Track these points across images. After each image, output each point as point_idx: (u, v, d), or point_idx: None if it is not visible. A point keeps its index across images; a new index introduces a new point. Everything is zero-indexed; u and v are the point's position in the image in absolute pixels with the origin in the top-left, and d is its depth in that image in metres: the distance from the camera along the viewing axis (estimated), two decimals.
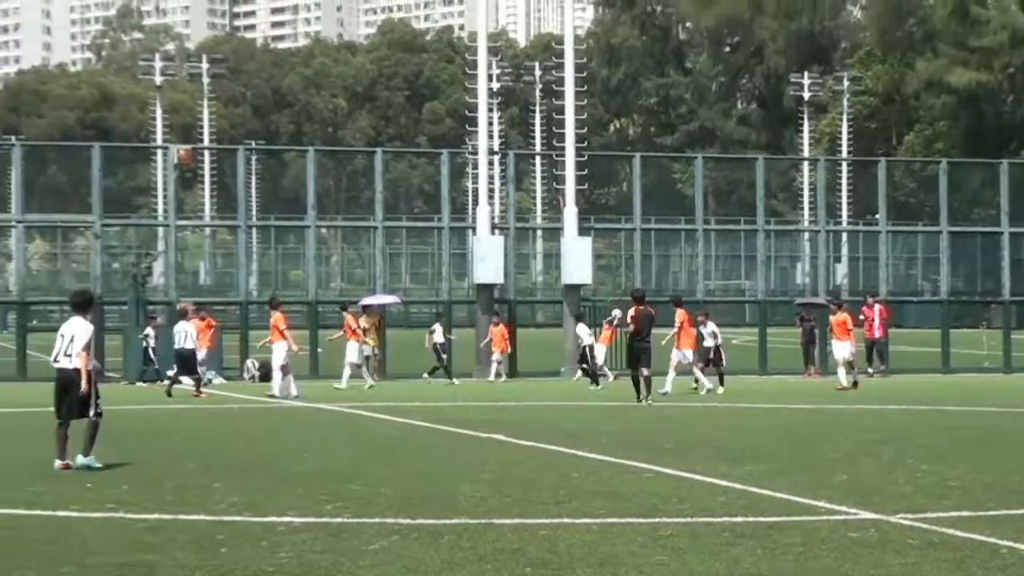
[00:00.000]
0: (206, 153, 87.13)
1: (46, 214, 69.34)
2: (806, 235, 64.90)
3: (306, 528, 12.00)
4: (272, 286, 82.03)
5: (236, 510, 13.08)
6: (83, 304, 16.89)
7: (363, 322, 36.84)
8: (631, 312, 28.20)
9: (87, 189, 42.82)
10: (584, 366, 37.32)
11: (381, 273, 45.29)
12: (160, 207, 79.33)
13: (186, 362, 31.27)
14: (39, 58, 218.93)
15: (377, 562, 10.49)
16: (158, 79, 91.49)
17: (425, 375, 36.68)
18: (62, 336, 16.33)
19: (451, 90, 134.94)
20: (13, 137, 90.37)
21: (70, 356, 16.17)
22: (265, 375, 36.46)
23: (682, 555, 10.81)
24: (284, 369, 30.78)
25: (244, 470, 16.53)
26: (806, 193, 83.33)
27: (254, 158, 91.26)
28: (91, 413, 16.18)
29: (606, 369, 37.30)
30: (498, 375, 37.65)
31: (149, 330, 36.46)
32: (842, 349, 33.75)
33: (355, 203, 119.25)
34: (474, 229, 42.07)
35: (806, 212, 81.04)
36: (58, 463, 16.00)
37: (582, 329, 37.83)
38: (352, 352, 34.44)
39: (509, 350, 38.63)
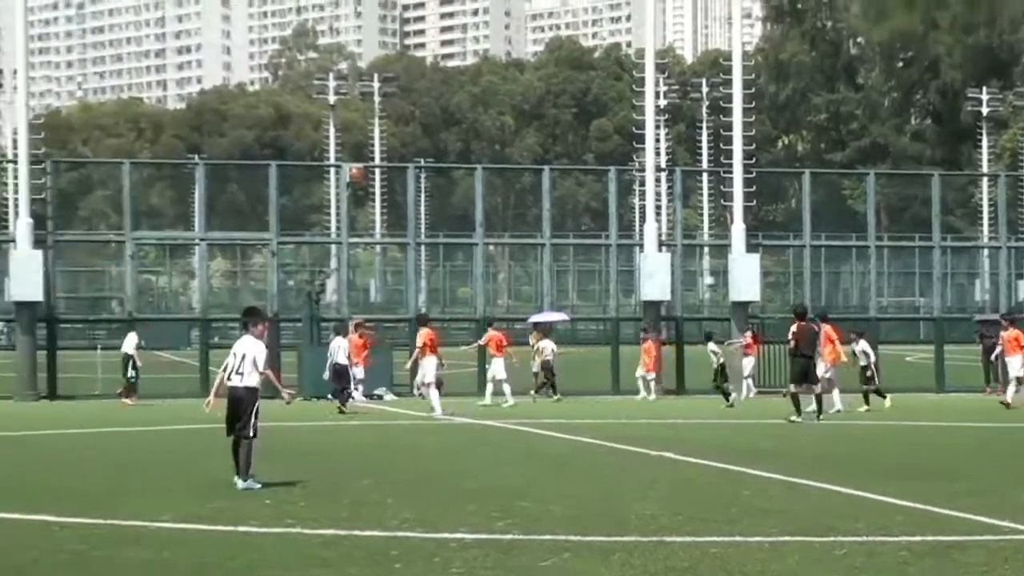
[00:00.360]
0: (377, 171, 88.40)
1: (226, 232, 70.89)
2: (985, 252, 63.43)
3: (477, 544, 12.12)
4: (440, 303, 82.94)
5: (409, 526, 13.25)
6: (250, 322, 16.99)
7: (532, 339, 37.07)
8: (793, 328, 28.03)
9: (264, 207, 43.76)
10: (719, 384, 36.77)
11: (548, 290, 45.45)
12: (333, 225, 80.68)
13: (339, 377, 31.97)
14: (220, 78, 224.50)
15: None
16: (331, 98, 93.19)
17: (531, 393, 36.16)
18: (234, 355, 16.55)
19: (618, 107, 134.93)
20: (196, 156, 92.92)
21: (242, 375, 16.36)
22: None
23: (858, 574, 10.68)
24: (434, 385, 31.09)
25: (416, 486, 16.73)
26: (985, 209, 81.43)
27: (423, 176, 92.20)
28: (249, 433, 16.25)
29: (747, 384, 37.16)
30: (648, 392, 37.32)
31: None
32: (1014, 365, 33.04)
33: (522, 220, 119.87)
34: (641, 246, 41.98)
35: (985, 228, 79.18)
36: (239, 481, 16.20)
37: (713, 348, 37.33)
38: (498, 368, 34.58)
39: (656, 368, 37.99)
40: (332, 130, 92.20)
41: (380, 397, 36.92)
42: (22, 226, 37.87)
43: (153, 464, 19.81)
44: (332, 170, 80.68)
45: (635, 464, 19.84)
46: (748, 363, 37.99)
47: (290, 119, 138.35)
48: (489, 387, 34.39)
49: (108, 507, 14.42)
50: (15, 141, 46.70)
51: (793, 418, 27.24)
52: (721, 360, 36.20)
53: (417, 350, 31.75)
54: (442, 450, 22.54)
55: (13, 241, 38.72)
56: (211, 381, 38.33)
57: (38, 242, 38.07)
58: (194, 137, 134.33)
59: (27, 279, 37.33)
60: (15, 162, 40.82)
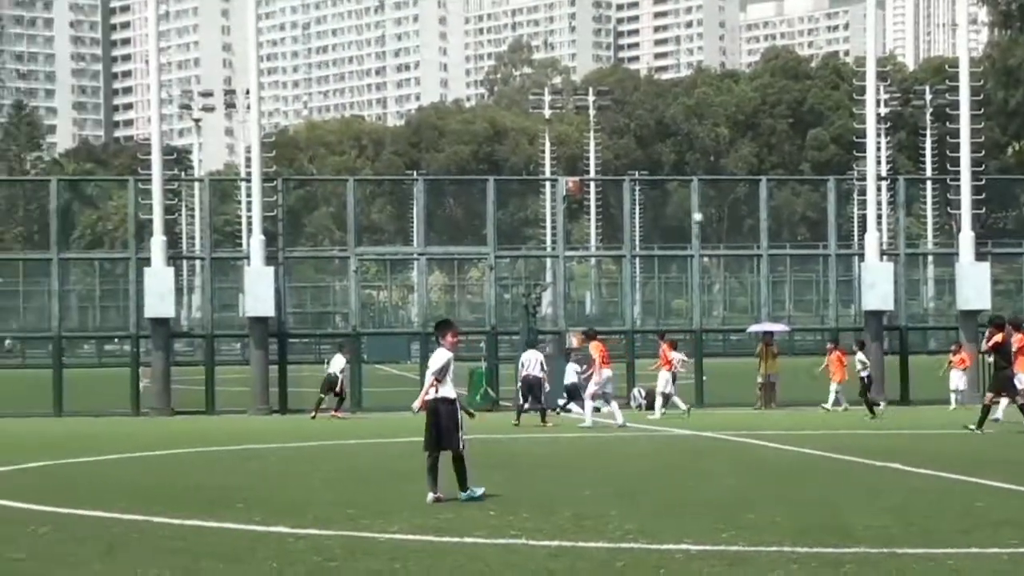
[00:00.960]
0: (592, 184, 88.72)
1: (444, 246, 72.02)
2: None
3: (702, 556, 12.12)
4: (655, 315, 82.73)
5: (632, 537, 13.31)
6: (437, 332, 17.10)
7: (759, 349, 36.96)
8: (996, 338, 27.34)
9: (480, 221, 44.31)
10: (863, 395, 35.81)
11: (766, 301, 45.03)
12: (548, 238, 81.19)
13: (531, 389, 32.48)
14: (437, 94, 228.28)
15: None
16: (547, 112, 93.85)
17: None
18: (428, 368, 16.76)
19: (836, 116, 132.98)
20: (415, 172, 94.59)
21: (435, 387, 16.45)
22: (651, 403, 36.96)
23: None
24: (596, 396, 31.52)
25: (637, 497, 16.79)
26: None
27: (638, 188, 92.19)
28: (461, 446, 16.33)
29: (954, 398, 36.57)
30: (836, 403, 36.55)
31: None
32: None
33: (737, 231, 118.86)
34: (862, 255, 41.31)
35: None
36: (430, 496, 16.21)
37: (861, 358, 36.41)
38: (662, 382, 34.60)
39: (845, 378, 37.27)
40: (547, 144, 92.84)
41: (597, 409, 37.01)
42: (255, 243, 39.14)
43: (380, 476, 20.26)
44: (547, 184, 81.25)
45: (860, 474, 19.55)
46: (955, 376, 37.19)
47: (506, 134, 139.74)
48: (659, 400, 34.57)
49: (340, 519, 14.80)
50: (248, 160, 48.23)
51: (970, 426, 26.72)
52: (866, 371, 35.36)
53: (594, 363, 31.95)
54: (661, 461, 22.54)
55: (247, 258, 40.04)
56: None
57: (270, 259, 39.29)
58: (413, 153, 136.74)
59: (260, 295, 38.57)
60: (248, 180, 42.20)
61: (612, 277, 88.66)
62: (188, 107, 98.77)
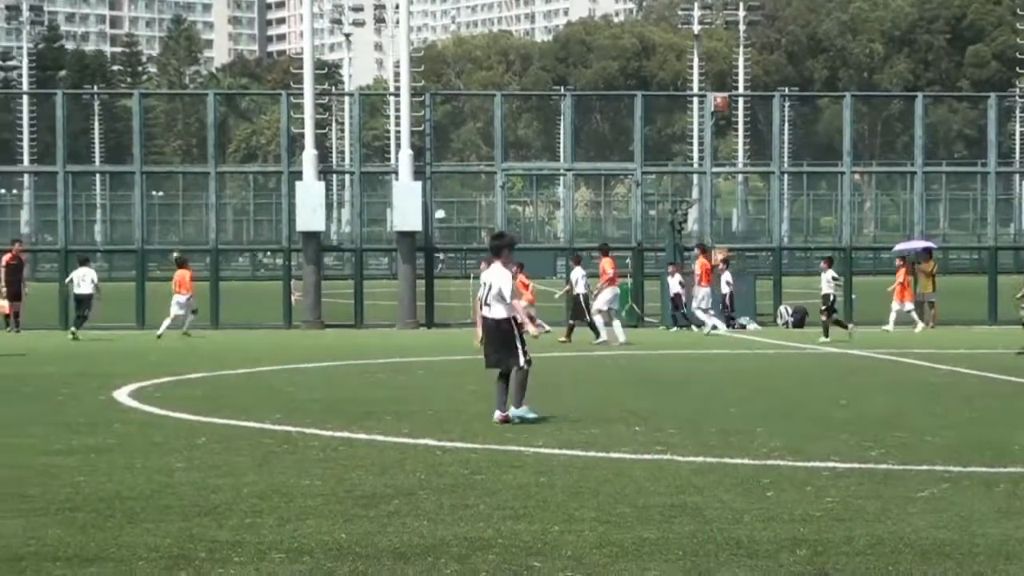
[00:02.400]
0: (740, 100, 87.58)
1: (590, 162, 71.78)
2: None
3: (850, 474, 12.01)
4: (803, 233, 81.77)
5: (779, 454, 13.24)
6: (499, 248, 16.35)
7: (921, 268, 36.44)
8: None
9: (626, 137, 44.18)
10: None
11: (920, 219, 44.20)
12: (695, 154, 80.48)
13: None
14: (585, 10, 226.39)
15: (927, 509, 10.40)
16: (695, 28, 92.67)
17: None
18: (483, 284, 16.17)
19: (997, 32, 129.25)
20: (562, 87, 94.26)
21: (490, 306, 15.95)
22: (799, 321, 36.67)
23: None
24: (603, 314, 31.24)
25: (783, 415, 16.69)
26: None
27: (788, 104, 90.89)
28: (521, 363, 15.86)
29: None
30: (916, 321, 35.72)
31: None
32: None
33: (890, 148, 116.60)
34: (1022, 174, 40.27)
35: None
36: (497, 414, 15.90)
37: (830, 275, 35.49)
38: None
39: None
40: (695, 60, 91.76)
41: (743, 326, 36.86)
42: (403, 158, 39.40)
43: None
44: (695, 100, 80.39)
45: (1014, 394, 19.19)
46: None
47: (654, 49, 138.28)
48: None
49: (486, 432, 14.94)
50: (396, 75, 48.40)
51: None
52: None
53: (602, 280, 32.09)
54: (807, 379, 22.36)
55: (395, 172, 40.34)
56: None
57: (417, 173, 39.53)
58: (560, 68, 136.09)
59: (408, 210, 38.85)
60: (397, 95, 42.41)
61: (759, 194, 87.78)
62: (339, 22, 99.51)
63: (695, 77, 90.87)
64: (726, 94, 53.31)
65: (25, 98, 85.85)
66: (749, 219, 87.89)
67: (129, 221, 50.38)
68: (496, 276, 15.94)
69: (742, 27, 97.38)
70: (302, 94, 41.40)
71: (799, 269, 63.55)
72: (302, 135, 40.61)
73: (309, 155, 39.39)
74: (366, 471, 12.24)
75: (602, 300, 31.45)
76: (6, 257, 36.43)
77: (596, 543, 9.25)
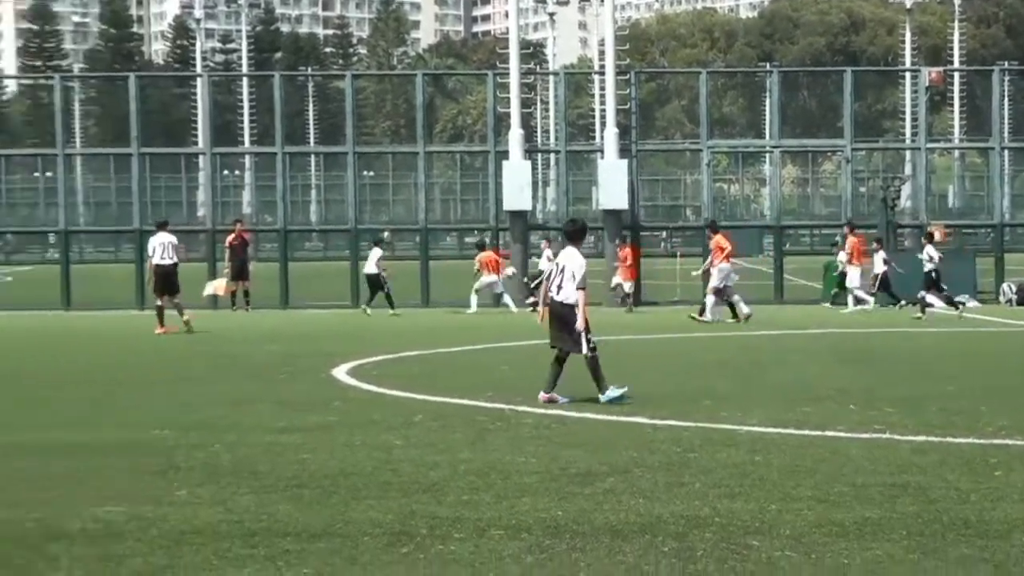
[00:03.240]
0: (956, 75, 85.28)
1: (797, 139, 70.70)
2: None
3: None
4: None
5: (1006, 433, 12.92)
6: (574, 234, 16.11)
7: None
8: None
9: (834, 114, 43.43)
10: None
11: None
12: (908, 130, 78.66)
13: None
14: None
15: None
16: (908, 2, 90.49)
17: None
18: (557, 265, 15.94)
19: None
20: (767, 64, 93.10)
21: (561, 287, 15.69)
22: (1022, 298, 35.74)
23: None
24: (718, 292, 30.99)
25: (1009, 393, 16.27)
26: None
27: (1007, 79, 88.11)
28: (584, 350, 15.60)
29: None
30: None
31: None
32: None
33: None
34: None
35: None
36: (542, 394, 15.72)
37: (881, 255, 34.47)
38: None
39: None
40: (908, 34, 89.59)
41: (963, 304, 35.98)
42: (609, 136, 39.39)
43: (736, 368, 20.25)
44: (907, 75, 78.63)
45: None
46: None
47: (863, 24, 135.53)
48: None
49: (697, 410, 14.89)
50: (601, 53, 48.49)
51: None
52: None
53: (710, 258, 31.93)
54: None
55: (600, 151, 40.35)
56: (784, 287, 39.12)
57: (623, 151, 39.49)
58: (765, 45, 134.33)
59: (614, 188, 38.84)
60: (602, 73, 42.43)
61: (977, 170, 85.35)
62: (543, 1, 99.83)
63: (907, 52, 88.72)
64: (941, 68, 52.01)
65: (244, 80, 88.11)
66: (967, 195, 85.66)
67: (342, 201, 51.39)
68: (570, 260, 15.78)
69: (957, 0, 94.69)
70: (508, 74, 41.66)
71: (1022, 246, 61.88)
72: (508, 115, 40.87)
73: (515, 134, 39.63)
74: (580, 448, 12.31)
75: (718, 277, 31.17)
76: (229, 238, 37.48)
77: (815, 522, 9.16)
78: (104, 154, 74.75)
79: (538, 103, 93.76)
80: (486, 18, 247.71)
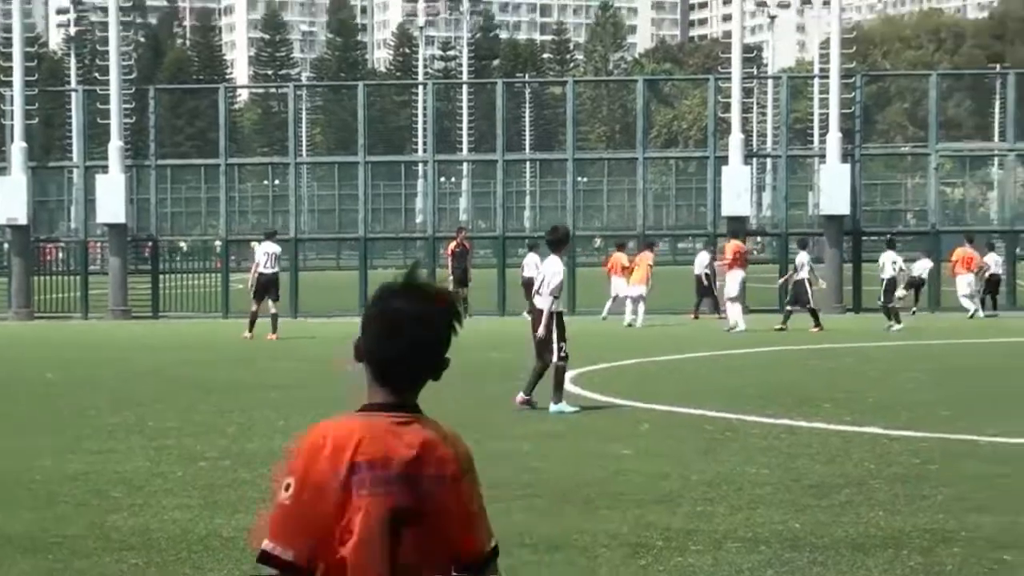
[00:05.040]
0: None
1: None
2: None
3: None
4: None
5: None
6: (555, 242, 16.19)
7: None
8: None
9: None
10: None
11: None
12: None
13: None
14: None
15: None
16: None
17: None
18: (541, 274, 16.21)
19: None
20: (998, 65, 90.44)
21: (540, 295, 15.89)
22: None
23: None
24: (734, 299, 30.67)
25: None
26: None
27: None
28: (554, 358, 15.65)
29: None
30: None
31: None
32: None
33: None
34: None
35: None
36: (519, 397, 15.77)
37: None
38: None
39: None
40: None
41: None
42: (832, 140, 38.74)
43: (967, 377, 19.66)
44: None
45: None
46: None
47: None
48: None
49: (933, 420, 14.50)
50: (822, 56, 47.72)
51: None
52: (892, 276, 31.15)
53: (726, 263, 31.44)
54: None
55: (821, 156, 39.73)
56: (1018, 292, 37.89)
57: (845, 156, 38.77)
58: (995, 46, 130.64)
59: (836, 193, 38.14)
60: (824, 76, 41.75)
61: None
62: (764, 4, 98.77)
63: None
64: None
65: (464, 88, 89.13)
66: None
67: (556, 207, 51.60)
68: (547, 267, 16.09)
69: None
70: (729, 78, 41.25)
71: None
72: (726, 119, 40.48)
73: (736, 139, 39.23)
74: (812, 459, 12.08)
75: (733, 284, 30.83)
76: (451, 245, 37.77)
77: None
78: (331, 162, 76.43)
79: (755, 107, 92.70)
80: (703, 22, 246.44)
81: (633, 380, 19.62)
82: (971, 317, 33.86)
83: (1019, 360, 22.90)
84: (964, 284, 34.80)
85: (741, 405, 15.91)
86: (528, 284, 31.98)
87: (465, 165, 68.56)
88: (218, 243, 42.81)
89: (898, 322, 30.18)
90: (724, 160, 39.13)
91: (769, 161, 67.41)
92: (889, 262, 31.48)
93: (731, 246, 32.22)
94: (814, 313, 30.25)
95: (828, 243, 39.03)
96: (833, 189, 38.25)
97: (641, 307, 32.78)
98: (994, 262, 36.40)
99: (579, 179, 79.61)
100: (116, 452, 12.78)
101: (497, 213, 41.57)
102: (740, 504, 10.06)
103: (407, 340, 3.40)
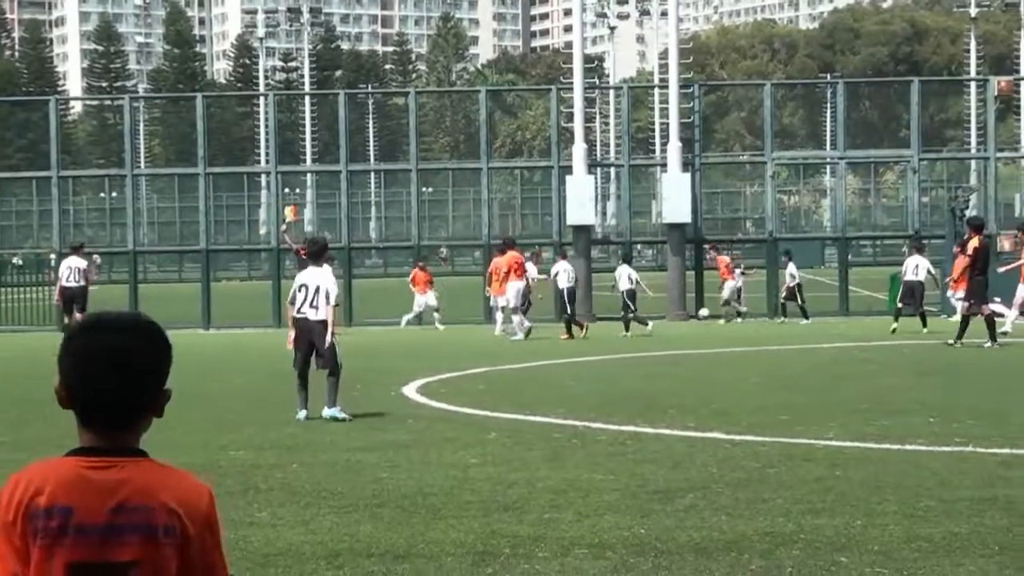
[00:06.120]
0: (1022, 83, 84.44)
1: (858, 150, 70.32)
2: None
3: None
4: None
5: None
6: (318, 252, 16.45)
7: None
8: (974, 243, 25.49)
9: (896, 124, 43.24)
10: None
11: None
12: (973, 139, 78.15)
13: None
14: None
15: None
16: (972, 10, 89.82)
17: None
18: (305, 287, 16.14)
19: None
20: (827, 75, 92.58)
21: (316, 308, 16.01)
22: None
23: None
24: (516, 309, 31.45)
25: None
26: None
27: None
28: (336, 365, 16.00)
29: None
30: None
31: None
32: None
33: None
34: None
35: None
36: (300, 413, 15.74)
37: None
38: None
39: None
40: (973, 43, 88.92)
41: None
42: (672, 149, 39.28)
43: (808, 382, 20.05)
44: (973, 84, 78.09)
45: None
46: None
47: (926, 34, 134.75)
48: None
49: (774, 425, 14.74)
50: (661, 67, 48.47)
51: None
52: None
53: (504, 276, 31.97)
54: None
55: (662, 165, 40.23)
56: (849, 298, 38.78)
57: (685, 165, 39.35)
58: (826, 56, 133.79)
59: (678, 202, 38.72)
60: (664, 87, 42.35)
61: None
62: (604, 15, 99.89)
63: (972, 61, 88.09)
64: (1010, 77, 51.54)
65: (307, 98, 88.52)
66: None
67: (401, 217, 51.52)
68: (323, 279, 16.15)
69: (1023, 8, 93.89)
70: (571, 88, 41.62)
71: None
72: (568, 129, 40.84)
73: (579, 149, 39.58)
74: (657, 465, 12.18)
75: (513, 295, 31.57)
76: (297, 245, 37.40)
77: (903, 538, 9.01)
78: (170, 174, 75.37)
79: (597, 117, 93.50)
80: (545, 32, 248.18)
81: (482, 388, 19.64)
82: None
83: (848, 367, 23.41)
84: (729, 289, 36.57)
85: (587, 412, 16.01)
86: (571, 294, 32.13)
87: (309, 176, 68.13)
88: (52, 256, 42.05)
89: (645, 325, 31.45)
90: (568, 170, 39.46)
91: (612, 170, 68.23)
92: (625, 275, 32.35)
93: (506, 259, 32.38)
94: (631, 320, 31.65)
95: (671, 250, 39.58)
96: (675, 197, 38.82)
97: (499, 315, 33.14)
98: (790, 275, 36.86)
99: (424, 189, 79.65)
100: None
101: (342, 224, 41.38)
102: (587, 511, 10.10)
103: (105, 378, 3.06)
